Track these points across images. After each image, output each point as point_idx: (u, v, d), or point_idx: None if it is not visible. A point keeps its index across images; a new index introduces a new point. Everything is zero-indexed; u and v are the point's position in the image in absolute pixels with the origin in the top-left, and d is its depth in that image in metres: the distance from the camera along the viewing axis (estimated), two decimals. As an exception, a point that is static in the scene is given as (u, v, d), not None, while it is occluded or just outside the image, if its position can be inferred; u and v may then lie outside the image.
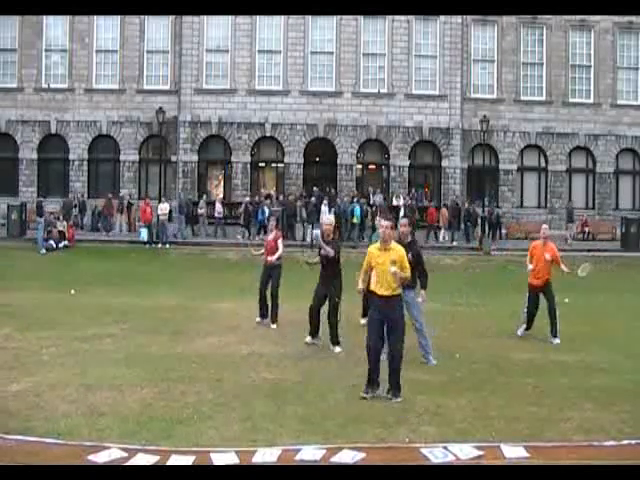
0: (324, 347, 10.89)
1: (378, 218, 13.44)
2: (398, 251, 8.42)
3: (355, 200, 30.80)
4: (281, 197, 31.71)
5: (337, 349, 10.74)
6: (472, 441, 6.77)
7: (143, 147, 34.35)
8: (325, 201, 29.75)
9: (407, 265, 8.45)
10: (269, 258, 12.69)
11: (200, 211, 31.11)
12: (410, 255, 9.76)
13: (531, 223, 34.23)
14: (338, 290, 10.99)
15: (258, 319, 12.75)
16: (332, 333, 10.87)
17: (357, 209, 30.00)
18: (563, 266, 11.79)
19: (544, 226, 12.45)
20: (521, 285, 16.25)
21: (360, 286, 8.64)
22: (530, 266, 11.96)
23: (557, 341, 11.71)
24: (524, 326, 12.14)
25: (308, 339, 11.15)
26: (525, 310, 12.11)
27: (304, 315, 11.31)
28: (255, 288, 13.07)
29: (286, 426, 7.19)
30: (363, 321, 11.26)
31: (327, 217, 12.07)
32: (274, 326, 12.49)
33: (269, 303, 12.70)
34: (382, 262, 8.29)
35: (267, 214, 29.98)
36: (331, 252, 10.87)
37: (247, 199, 31.34)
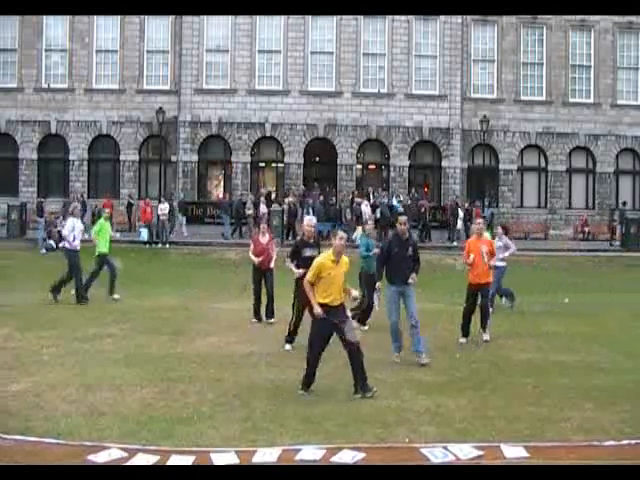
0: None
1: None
2: (347, 263, 8.50)
3: (397, 199, 30.85)
4: (321, 197, 31.09)
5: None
6: (472, 441, 6.77)
7: (143, 147, 34.37)
8: (366, 202, 29.61)
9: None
10: (257, 259, 12.49)
11: (248, 212, 29.99)
12: (411, 249, 10.16)
13: (531, 223, 34.40)
14: None
15: (254, 319, 12.80)
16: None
17: (399, 209, 29.77)
18: (491, 261, 11.47)
19: (479, 220, 12.42)
20: (521, 285, 16.28)
21: (318, 310, 8.18)
22: (469, 259, 11.45)
23: (486, 337, 11.50)
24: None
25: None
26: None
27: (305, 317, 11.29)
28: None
29: (286, 426, 7.19)
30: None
31: (307, 218, 11.74)
32: (272, 320, 12.63)
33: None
34: (334, 274, 8.28)
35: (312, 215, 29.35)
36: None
37: (290, 199, 30.17)
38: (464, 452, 6.45)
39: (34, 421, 7.18)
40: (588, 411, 7.85)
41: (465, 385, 8.90)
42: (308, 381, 8.35)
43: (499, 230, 14.82)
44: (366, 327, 12.17)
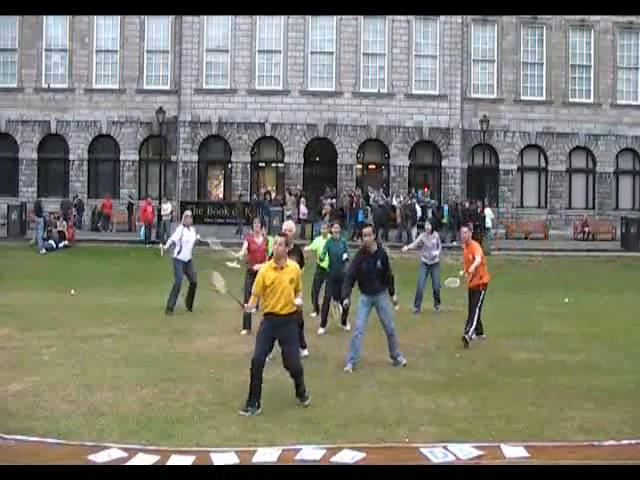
0: (324, 348, 10.88)
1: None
2: (294, 270, 7.96)
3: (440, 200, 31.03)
4: (375, 196, 30.85)
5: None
6: (472, 441, 6.77)
7: (143, 147, 34.34)
8: (419, 202, 29.52)
9: (301, 285, 8.07)
10: (256, 267, 10.65)
11: (287, 213, 29.31)
12: (379, 263, 9.64)
13: (531, 223, 34.39)
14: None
15: (244, 332, 11.68)
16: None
17: (446, 209, 29.67)
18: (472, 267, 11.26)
19: (464, 229, 11.92)
20: (520, 285, 16.29)
21: (249, 304, 8.23)
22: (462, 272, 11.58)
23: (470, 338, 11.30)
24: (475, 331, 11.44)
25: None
26: (478, 312, 11.37)
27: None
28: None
29: (286, 426, 7.19)
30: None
31: (286, 223, 11.31)
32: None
33: None
34: (279, 282, 7.78)
35: (365, 216, 28.38)
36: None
37: (330, 200, 29.19)
38: (464, 452, 6.46)
39: (34, 421, 7.18)
40: (588, 411, 7.85)
41: (465, 385, 8.90)
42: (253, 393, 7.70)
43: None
44: (347, 327, 11.97)
